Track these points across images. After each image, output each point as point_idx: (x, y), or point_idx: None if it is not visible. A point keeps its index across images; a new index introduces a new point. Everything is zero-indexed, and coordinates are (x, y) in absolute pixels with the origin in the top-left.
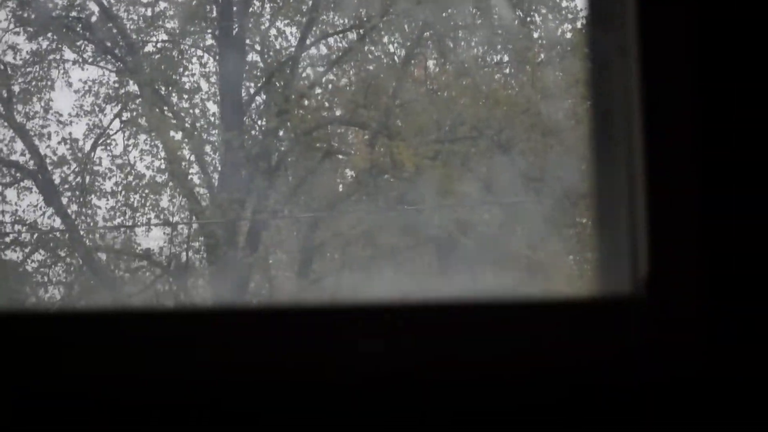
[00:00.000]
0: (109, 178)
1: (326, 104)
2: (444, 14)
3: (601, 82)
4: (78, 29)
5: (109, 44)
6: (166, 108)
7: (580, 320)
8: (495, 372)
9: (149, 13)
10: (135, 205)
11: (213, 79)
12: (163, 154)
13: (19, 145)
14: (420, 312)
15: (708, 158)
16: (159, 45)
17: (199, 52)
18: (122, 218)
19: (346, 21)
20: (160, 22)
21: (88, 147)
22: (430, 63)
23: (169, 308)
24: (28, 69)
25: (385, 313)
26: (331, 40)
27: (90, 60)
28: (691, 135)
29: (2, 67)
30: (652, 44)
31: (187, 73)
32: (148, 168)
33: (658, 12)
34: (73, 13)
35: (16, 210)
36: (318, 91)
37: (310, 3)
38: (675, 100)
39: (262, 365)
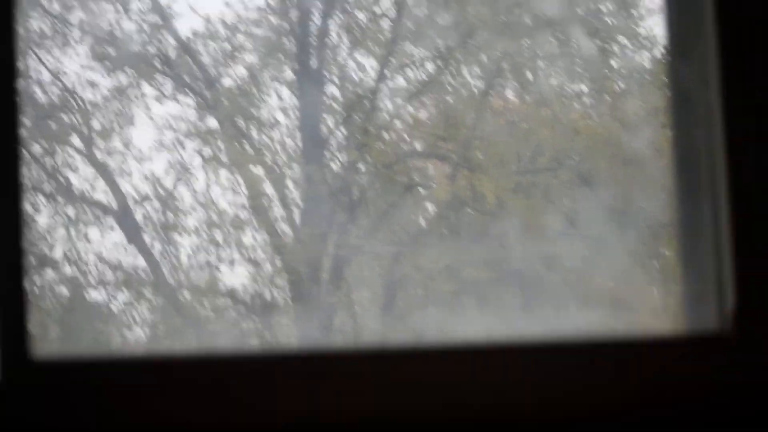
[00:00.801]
0: (192, 215)
1: (406, 137)
2: (523, 44)
3: (684, 114)
4: (156, 64)
5: (187, 79)
6: (246, 143)
7: (667, 357)
8: (582, 409)
9: (228, 46)
10: (218, 242)
11: (292, 113)
12: (244, 189)
13: (100, 184)
14: (510, 352)
15: None
16: (237, 79)
17: (278, 86)
18: (206, 256)
19: (425, 52)
20: (239, 55)
21: (169, 184)
22: (509, 94)
23: (256, 351)
24: (107, 105)
25: (475, 353)
26: (409, 72)
27: (169, 95)
28: None
29: (82, 104)
30: (733, 75)
31: (266, 107)
32: (230, 204)
33: (739, 43)
34: (151, 48)
35: (100, 250)
36: (398, 123)
37: (389, 35)
38: (758, 131)
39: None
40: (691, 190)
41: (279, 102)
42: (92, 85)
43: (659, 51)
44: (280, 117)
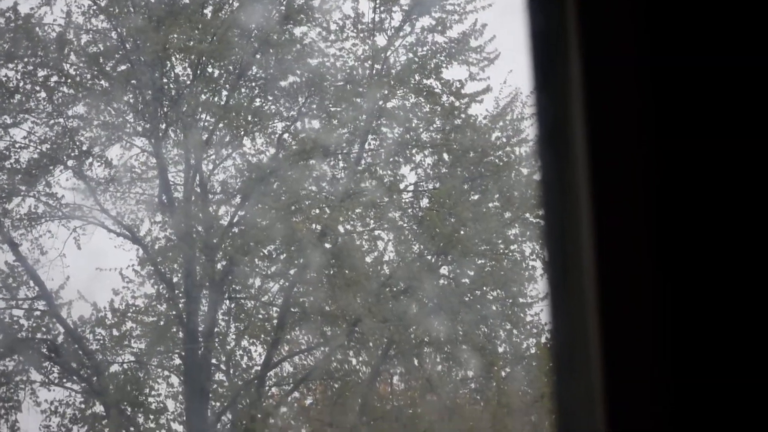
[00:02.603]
0: None
1: (292, 423)
2: (409, 331)
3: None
4: (44, 350)
5: (75, 365)
6: (132, 429)
7: None
8: None
9: (115, 333)
10: None
11: (179, 399)
12: None
13: None
14: None
15: None
16: (125, 365)
17: (166, 373)
18: None
19: (312, 338)
20: (126, 343)
21: None
22: (396, 379)
23: None
24: None
25: None
26: (296, 358)
27: (56, 381)
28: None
29: None
30: None
31: (153, 393)
32: None
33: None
34: (40, 335)
35: None
36: (284, 410)
37: (275, 322)
38: None
39: None
40: None
41: (166, 388)
42: None
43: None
44: (168, 403)
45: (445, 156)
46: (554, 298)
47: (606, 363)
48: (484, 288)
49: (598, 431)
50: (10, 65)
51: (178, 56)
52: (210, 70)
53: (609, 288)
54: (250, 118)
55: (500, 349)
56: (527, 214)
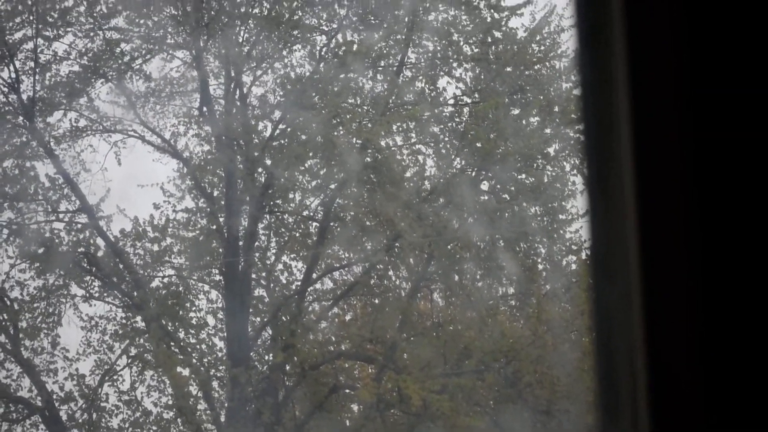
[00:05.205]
0: (116, 415)
1: (332, 338)
2: (449, 246)
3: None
4: (85, 264)
5: (115, 279)
6: (173, 344)
7: None
8: None
9: (156, 248)
10: None
11: (220, 315)
12: (170, 390)
13: (26, 382)
14: None
15: None
16: (165, 280)
17: (206, 288)
18: None
19: (352, 255)
20: (167, 258)
21: (95, 383)
22: (436, 296)
23: None
24: (35, 305)
25: None
26: (336, 274)
27: (97, 295)
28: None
29: (9, 303)
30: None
31: (193, 308)
32: (155, 405)
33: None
34: (80, 249)
35: None
36: (324, 325)
37: (315, 238)
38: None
39: None
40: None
41: (207, 304)
42: (20, 284)
43: (585, 254)
44: (208, 318)
45: (486, 70)
46: (594, 214)
47: (644, 275)
48: (524, 203)
49: (635, 341)
50: None
51: None
52: None
53: (649, 205)
54: (290, 30)
55: (540, 266)
56: (568, 129)
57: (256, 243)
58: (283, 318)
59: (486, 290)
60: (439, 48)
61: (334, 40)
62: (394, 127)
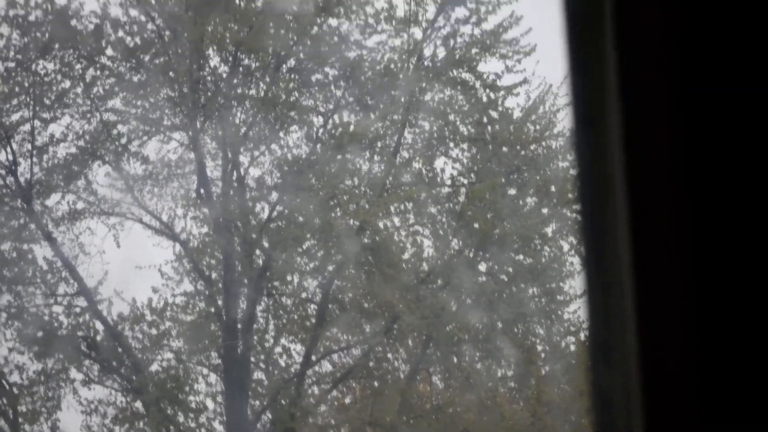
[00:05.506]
0: None
1: (332, 422)
2: (448, 328)
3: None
4: (84, 348)
5: (115, 363)
6: (172, 428)
7: None
8: None
9: (154, 332)
10: None
11: (219, 398)
12: None
13: None
14: None
15: None
16: (164, 364)
17: (205, 371)
18: None
19: (350, 337)
20: (165, 341)
21: None
22: (435, 378)
23: None
24: (35, 389)
25: None
26: (335, 357)
27: (96, 379)
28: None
29: (8, 387)
30: None
31: (192, 392)
32: None
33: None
34: (80, 332)
35: None
36: (323, 408)
37: (314, 320)
38: None
39: None
40: None
41: (206, 387)
42: (19, 368)
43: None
44: (207, 402)
45: (482, 150)
46: (591, 295)
47: (643, 359)
48: (522, 285)
49: (635, 426)
50: (48, 57)
51: (214, 48)
52: (247, 62)
53: (646, 284)
54: (287, 111)
55: (539, 347)
56: (565, 210)
57: (255, 326)
58: (283, 401)
59: (485, 372)
60: (435, 128)
61: (330, 122)
62: (392, 208)
